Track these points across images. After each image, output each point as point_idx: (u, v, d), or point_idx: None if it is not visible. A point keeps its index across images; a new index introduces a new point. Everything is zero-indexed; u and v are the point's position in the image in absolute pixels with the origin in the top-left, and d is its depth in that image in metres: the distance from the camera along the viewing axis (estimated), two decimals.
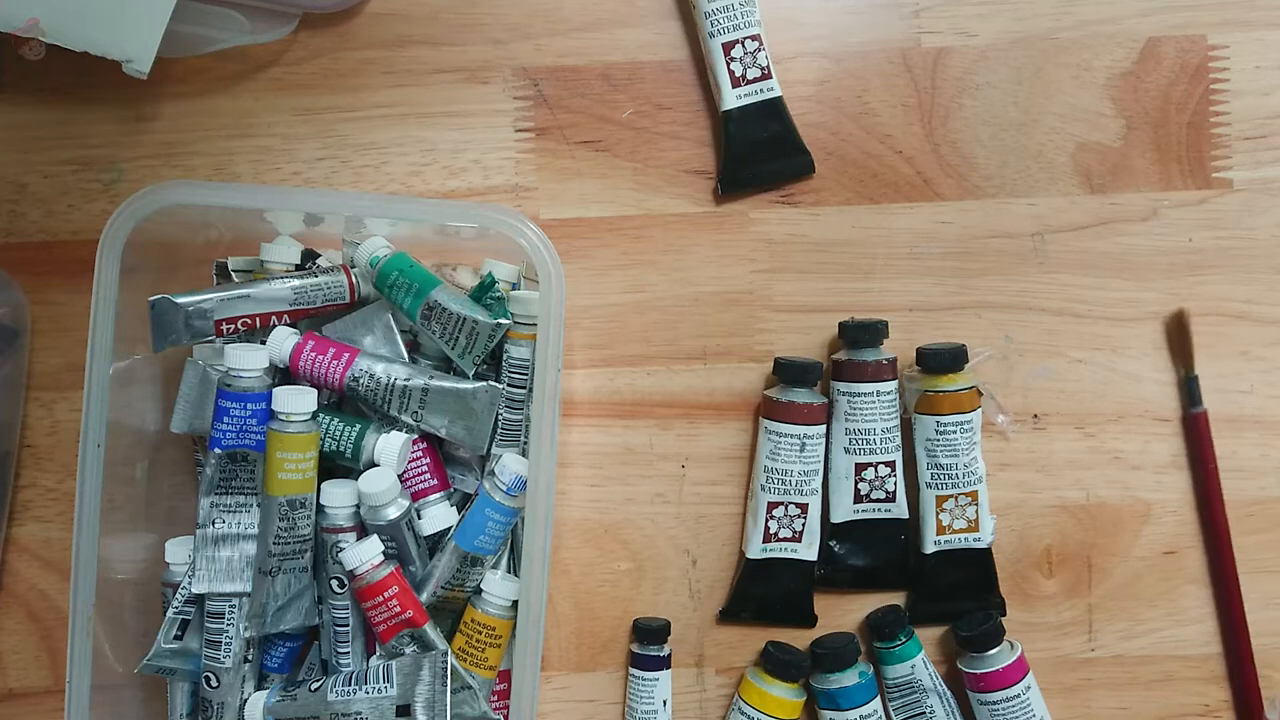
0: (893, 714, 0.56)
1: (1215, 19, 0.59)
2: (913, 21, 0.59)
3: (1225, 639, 0.58)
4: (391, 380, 0.51)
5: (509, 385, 0.53)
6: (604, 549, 0.58)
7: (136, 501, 0.53)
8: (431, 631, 0.51)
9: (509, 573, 0.54)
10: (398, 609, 0.50)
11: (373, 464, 0.51)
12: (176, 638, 0.52)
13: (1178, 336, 0.57)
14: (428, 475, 0.53)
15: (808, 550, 0.56)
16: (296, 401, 0.49)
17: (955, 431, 0.54)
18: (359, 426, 0.51)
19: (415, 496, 0.53)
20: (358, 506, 0.51)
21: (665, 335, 0.59)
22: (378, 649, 0.52)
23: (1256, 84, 0.58)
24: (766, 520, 0.55)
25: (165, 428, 0.53)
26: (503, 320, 0.51)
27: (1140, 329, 0.58)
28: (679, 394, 0.58)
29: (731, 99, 0.57)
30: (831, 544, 0.56)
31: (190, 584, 0.51)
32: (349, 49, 0.59)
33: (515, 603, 0.52)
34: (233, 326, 0.51)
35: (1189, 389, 0.57)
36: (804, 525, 0.55)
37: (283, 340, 0.51)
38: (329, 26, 0.59)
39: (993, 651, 0.55)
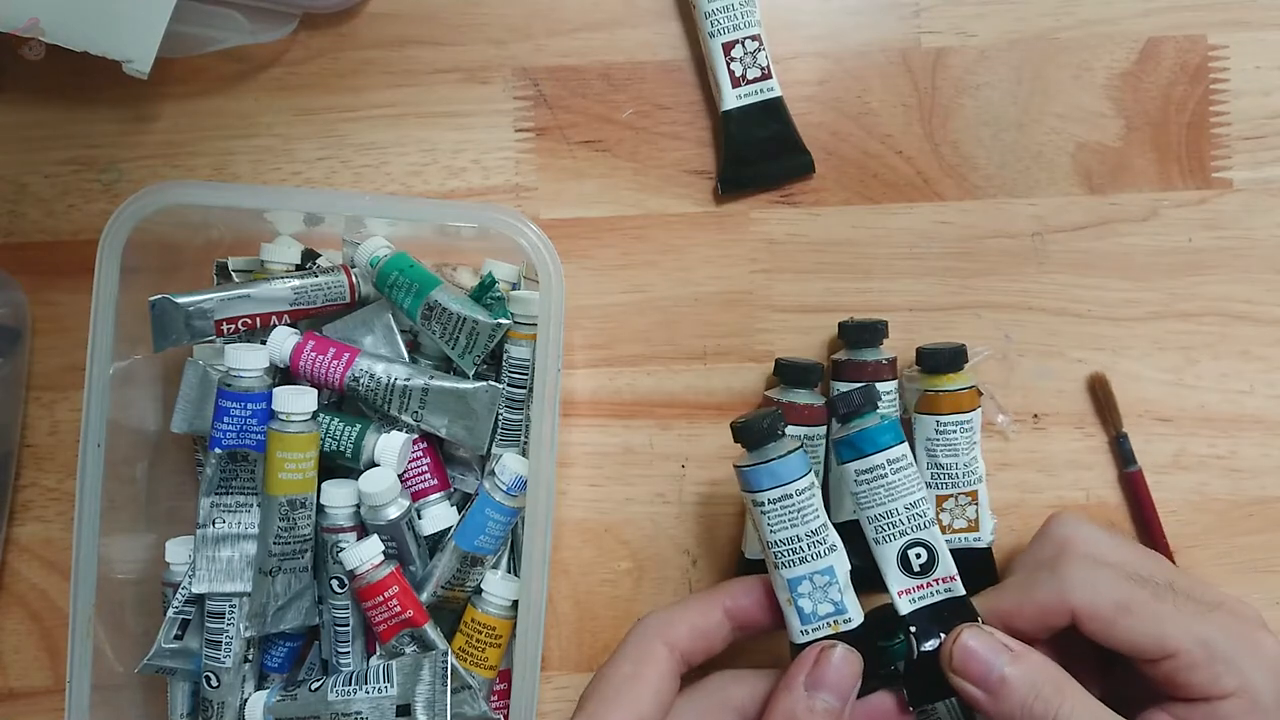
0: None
1: (1215, 19, 0.58)
2: (913, 21, 0.59)
3: None
4: (391, 380, 0.51)
5: (509, 385, 0.53)
6: (604, 549, 0.58)
7: (136, 501, 0.53)
8: (431, 631, 0.51)
9: (509, 573, 0.54)
10: (398, 609, 0.50)
11: (373, 464, 0.51)
12: (176, 638, 0.52)
13: (1102, 398, 0.57)
14: (428, 475, 0.53)
15: None
16: (296, 401, 0.49)
17: (955, 431, 0.54)
18: (359, 426, 0.51)
19: (415, 496, 0.53)
20: (358, 506, 0.51)
21: (665, 335, 0.59)
22: (378, 649, 0.52)
23: (1256, 84, 0.58)
24: None
25: (165, 428, 0.53)
26: (503, 320, 0.51)
27: (1140, 329, 0.58)
28: (679, 394, 0.58)
29: (731, 99, 0.57)
30: None
31: (190, 584, 0.51)
32: (349, 49, 0.59)
33: (515, 603, 0.52)
34: (233, 326, 0.51)
35: (1121, 448, 0.57)
36: None
37: (283, 340, 0.51)
38: (329, 26, 0.59)
39: None
